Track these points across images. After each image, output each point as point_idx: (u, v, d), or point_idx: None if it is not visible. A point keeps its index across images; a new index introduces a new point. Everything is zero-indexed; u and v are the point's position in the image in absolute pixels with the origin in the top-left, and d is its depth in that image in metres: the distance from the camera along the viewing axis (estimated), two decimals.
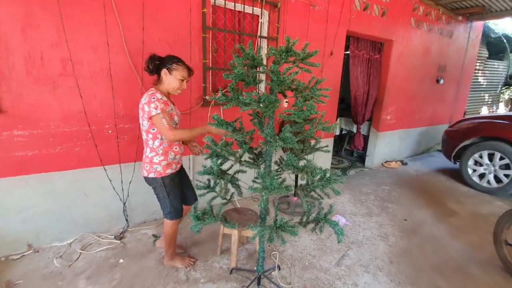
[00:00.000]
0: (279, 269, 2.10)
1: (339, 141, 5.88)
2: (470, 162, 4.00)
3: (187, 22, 2.44)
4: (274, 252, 2.29)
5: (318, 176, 1.36)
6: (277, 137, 1.30)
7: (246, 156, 1.71)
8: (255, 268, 2.01)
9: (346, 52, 3.99)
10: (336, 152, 5.70)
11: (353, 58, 4.02)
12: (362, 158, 5.12)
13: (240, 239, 2.45)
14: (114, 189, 2.48)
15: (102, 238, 2.41)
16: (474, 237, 2.70)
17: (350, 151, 5.61)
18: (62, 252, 2.23)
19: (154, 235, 2.49)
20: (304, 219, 1.53)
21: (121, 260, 2.16)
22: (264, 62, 1.98)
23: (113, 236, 2.44)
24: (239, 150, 1.55)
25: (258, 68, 1.42)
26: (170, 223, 1.95)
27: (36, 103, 2.04)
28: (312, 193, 1.61)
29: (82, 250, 2.25)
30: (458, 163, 4.25)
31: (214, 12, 2.59)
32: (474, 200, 3.62)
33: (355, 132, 4.69)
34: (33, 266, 2.06)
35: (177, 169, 1.96)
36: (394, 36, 4.24)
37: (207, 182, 1.73)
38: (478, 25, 5.85)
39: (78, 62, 2.11)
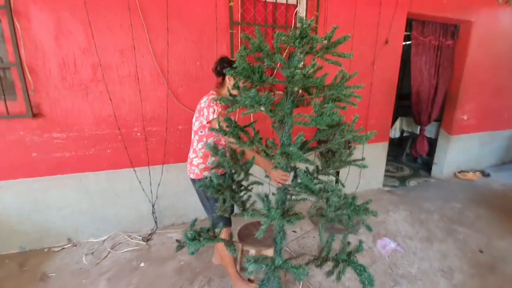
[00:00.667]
0: None
1: (399, 144, 5.09)
2: None
3: (213, 18, 2.29)
4: None
5: (336, 205, 1.01)
6: (279, 152, 1.01)
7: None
8: None
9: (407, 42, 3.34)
10: (395, 157, 4.94)
11: (416, 46, 3.34)
12: (428, 166, 4.29)
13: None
14: (143, 190, 2.50)
15: (131, 238, 2.45)
16: None
17: (413, 157, 4.79)
18: (95, 248, 2.33)
19: (177, 240, 2.43)
20: (322, 255, 1.20)
21: (142, 264, 2.14)
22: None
23: (141, 238, 2.46)
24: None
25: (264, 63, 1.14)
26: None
27: (71, 107, 2.14)
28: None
29: (111, 249, 2.32)
30: None
31: (242, 5, 2.37)
32: None
33: (418, 134, 3.95)
34: (67, 260, 2.19)
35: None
36: (474, 16, 3.39)
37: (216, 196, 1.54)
38: None
39: (107, 67, 2.15)
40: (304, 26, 0.98)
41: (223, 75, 1.70)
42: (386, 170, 4.25)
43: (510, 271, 2.10)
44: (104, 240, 2.43)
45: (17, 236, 2.26)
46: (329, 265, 1.22)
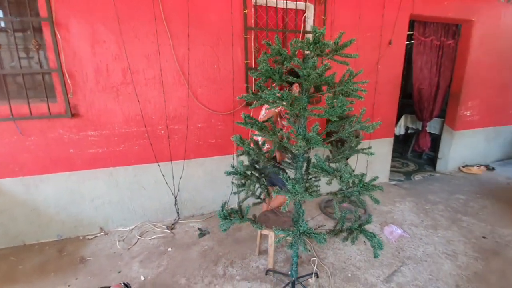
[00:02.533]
0: (317, 277, 1.98)
1: (405, 141, 5.23)
2: None
3: (228, 25, 2.51)
4: (314, 258, 2.17)
5: (349, 181, 1.20)
6: (300, 137, 1.21)
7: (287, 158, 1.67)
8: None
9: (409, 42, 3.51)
10: (401, 154, 5.08)
11: (418, 46, 3.51)
12: (433, 161, 4.43)
13: (280, 241, 2.40)
14: (166, 183, 2.72)
15: (156, 227, 2.67)
16: None
17: (419, 153, 4.92)
18: (124, 236, 2.56)
19: (199, 229, 2.64)
20: (338, 227, 1.39)
21: (169, 249, 2.35)
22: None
23: (165, 226, 2.68)
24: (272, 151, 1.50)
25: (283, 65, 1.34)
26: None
27: (104, 108, 2.38)
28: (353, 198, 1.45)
29: (140, 236, 2.54)
30: None
31: (255, 12, 2.59)
32: None
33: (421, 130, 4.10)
34: (102, 246, 2.42)
35: None
36: (476, 15, 3.53)
37: (243, 181, 1.74)
38: None
39: (135, 71, 2.38)
40: (317, 34, 1.18)
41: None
42: (392, 166, 4.41)
43: None
44: (132, 229, 2.66)
45: (54, 225, 2.50)
46: (342, 237, 1.41)
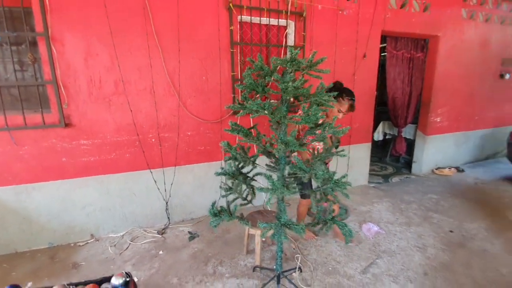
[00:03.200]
0: (301, 271, 2.14)
1: (383, 146, 5.55)
2: None
3: (216, 40, 2.70)
4: (298, 255, 2.33)
5: (323, 178, 1.39)
6: (279, 141, 1.39)
7: (267, 160, 1.84)
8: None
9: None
10: (380, 158, 5.39)
11: (391, 58, 3.83)
12: (409, 165, 4.73)
13: (266, 240, 2.56)
14: (158, 189, 2.83)
15: (147, 232, 2.76)
16: None
17: (397, 157, 5.24)
18: (116, 242, 2.63)
19: (189, 232, 2.75)
20: (315, 221, 1.57)
21: (160, 252, 2.45)
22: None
23: (156, 231, 2.77)
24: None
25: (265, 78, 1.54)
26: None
27: (96, 118, 2.49)
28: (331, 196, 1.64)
29: (131, 241, 2.62)
30: None
31: (241, 28, 2.80)
32: None
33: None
34: (93, 252, 2.49)
35: None
36: (441, 31, 3.91)
37: (229, 185, 1.89)
38: None
39: (127, 82, 2.52)
40: (293, 54, 1.38)
41: (339, 97, 2.09)
42: (372, 170, 4.68)
43: (476, 247, 2.49)
44: (123, 235, 2.73)
45: (46, 233, 2.55)
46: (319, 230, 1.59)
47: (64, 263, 2.34)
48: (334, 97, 1.81)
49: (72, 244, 2.60)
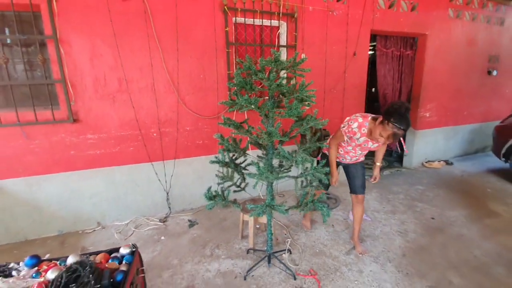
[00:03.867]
0: (290, 253, 2.34)
1: None
2: None
3: (212, 40, 2.89)
4: (288, 239, 2.53)
5: (304, 165, 1.59)
6: (264, 132, 1.59)
7: (260, 152, 2.04)
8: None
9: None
10: (372, 153, 5.56)
11: (381, 56, 4.01)
12: (401, 158, 4.92)
13: (260, 227, 2.76)
14: (159, 181, 3.03)
15: (150, 221, 2.97)
16: (510, 239, 2.52)
17: (389, 151, 5.43)
18: (121, 229, 2.84)
19: (189, 220, 2.96)
20: (298, 204, 1.77)
21: (162, 238, 2.66)
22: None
23: (158, 220, 2.98)
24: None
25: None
26: None
27: (101, 113, 2.68)
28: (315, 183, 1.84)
29: (135, 228, 2.83)
30: (509, 162, 3.83)
31: (235, 29, 2.98)
32: None
33: None
34: (100, 238, 2.70)
35: (345, 162, 2.36)
36: (429, 30, 4.08)
37: (224, 173, 2.09)
38: None
39: (130, 81, 2.71)
40: (276, 55, 1.57)
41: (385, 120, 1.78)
42: (366, 164, 4.86)
43: (454, 232, 2.69)
44: (128, 223, 2.94)
45: (55, 221, 2.75)
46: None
47: (73, 248, 2.54)
48: (381, 120, 1.78)
49: (80, 232, 2.81)
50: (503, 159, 3.89)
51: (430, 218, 2.93)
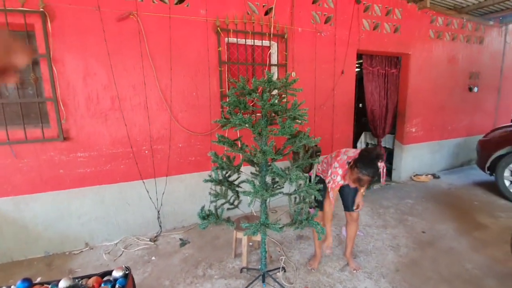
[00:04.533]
0: (285, 271, 2.32)
1: None
2: (507, 173, 3.73)
3: (205, 59, 2.96)
4: (282, 257, 2.51)
5: (297, 182, 1.62)
6: (258, 151, 1.62)
7: (252, 169, 2.06)
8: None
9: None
10: None
11: (367, 74, 4.17)
12: (390, 173, 5.02)
13: (254, 244, 2.74)
14: (150, 199, 2.99)
15: (140, 240, 2.89)
16: (499, 251, 2.57)
17: None
18: (110, 249, 2.75)
19: (181, 239, 2.90)
20: (292, 222, 1.78)
21: (153, 258, 2.59)
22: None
23: (148, 239, 2.91)
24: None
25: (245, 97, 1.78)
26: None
27: (93, 131, 2.67)
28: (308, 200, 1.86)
29: (124, 249, 2.75)
30: (494, 175, 3.97)
31: (228, 49, 3.08)
32: (511, 214, 3.36)
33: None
34: (88, 259, 2.60)
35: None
36: (411, 49, 4.30)
37: (218, 191, 2.09)
38: None
39: (123, 99, 2.72)
40: (269, 76, 1.63)
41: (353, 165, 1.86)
42: None
43: (445, 245, 2.73)
44: (117, 243, 2.86)
45: (42, 242, 2.65)
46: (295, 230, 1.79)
47: (60, 270, 2.45)
48: (351, 165, 1.85)
49: (67, 253, 2.71)
50: (488, 172, 4.02)
51: (421, 232, 2.98)
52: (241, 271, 2.34)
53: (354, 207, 2.28)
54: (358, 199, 2.28)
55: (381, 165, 1.91)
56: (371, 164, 1.78)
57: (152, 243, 2.85)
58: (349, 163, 1.95)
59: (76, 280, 1.28)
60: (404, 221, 3.24)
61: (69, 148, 2.61)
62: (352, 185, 1.99)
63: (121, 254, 2.67)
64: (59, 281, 1.27)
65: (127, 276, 1.35)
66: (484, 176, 4.54)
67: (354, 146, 5.18)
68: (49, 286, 1.30)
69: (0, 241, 2.51)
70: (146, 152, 2.91)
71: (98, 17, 2.52)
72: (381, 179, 2.06)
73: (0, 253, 2.52)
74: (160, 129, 2.92)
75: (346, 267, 2.38)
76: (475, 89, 5.18)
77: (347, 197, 2.32)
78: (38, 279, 1.40)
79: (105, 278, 1.34)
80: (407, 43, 4.24)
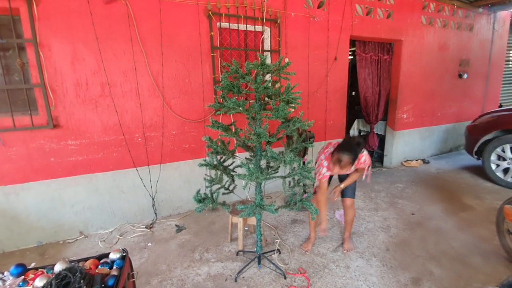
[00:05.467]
0: (280, 253, 2.37)
1: None
2: (493, 157, 3.86)
3: (197, 44, 2.91)
4: (277, 240, 2.57)
5: (291, 165, 1.64)
6: (252, 133, 1.62)
7: (247, 155, 2.07)
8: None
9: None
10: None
11: (360, 60, 4.18)
12: (382, 158, 5.12)
13: (249, 229, 2.78)
14: (144, 186, 2.98)
15: (135, 228, 2.90)
16: (484, 230, 2.69)
17: (371, 152, 5.62)
18: (105, 237, 2.75)
19: (177, 225, 2.92)
20: (286, 203, 1.81)
21: (149, 244, 2.61)
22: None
23: (144, 226, 2.92)
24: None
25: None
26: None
27: (83, 118, 2.62)
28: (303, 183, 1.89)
29: (120, 236, 2.75)
30: (481, 159, 4.10)
31: (220, 34, 3.02)
32: (496, 195, 3.49)
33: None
34: (83, 247, 2.60)
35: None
36: (403, 36, 4.31)
37: (212, 176, 2.10)
38: (504, 14, 5.56)
39: (113, 85, 2.66)
40: (262, 59, 1.62)
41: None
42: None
43: (433, 226, 2.83)
44: (112, 231, 2.86)
45: (34, 232, 2.63)
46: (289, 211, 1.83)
47: (54, 259, 2.44)
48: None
49: (61, 242, 2.70)
50: (475, 156, 4.14)
51: (410, 214, 3.07)
52: (237, 254, 2.38)
53: (331, 195, 2.32)
54: (336, 189, 2.33)
55: (365, 159, 2.05)
56: (350, 147, 1.95)
57: (148, 230, 2.86)
58: (332, 152, 2.02)
59: (73, 263, 1.28)
60: (395, 204, 3.34)
61: (59, 135, 2.56)
62: (335, 171, 2.03)
63: (116, 242, 2.67)
64: (54, 265, 1.27)
65: (124, 258, 1.36)
66: (472, 160, 4.69)
67: (347, 133, 5.24)
68: (44, 270, 1.30)
69: None
70: (139, 139, 2.87)
71: (85, 0, 2.43)
72: (367, 177, 2.16)
73: None
74: (153, 116, 2.88)
75: (339, 248, 2.45)
76: (465, 76, 5.26)
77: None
78: (32, 264, 1.39)
79: (102, 261, 1.34)
80: (399, 29, 4.24)
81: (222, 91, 1.81)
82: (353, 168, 2.09)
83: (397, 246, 2.48)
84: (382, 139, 4.99)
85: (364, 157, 2.10)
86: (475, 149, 4.07)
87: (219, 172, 1.87)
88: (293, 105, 1.79)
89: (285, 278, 2.07)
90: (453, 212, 3.10)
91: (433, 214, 3.07)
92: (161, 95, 2.86)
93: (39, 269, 1.29)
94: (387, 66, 4.46)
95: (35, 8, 2.29)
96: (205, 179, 2.09)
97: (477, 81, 5.60)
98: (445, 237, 2.60)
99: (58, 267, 1.22)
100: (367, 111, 4.49)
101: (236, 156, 1.94)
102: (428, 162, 4.97)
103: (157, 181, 3.02)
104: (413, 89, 4.67)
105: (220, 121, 3.18)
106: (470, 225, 2.81)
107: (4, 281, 1.21)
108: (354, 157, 1.94)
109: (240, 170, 2.11)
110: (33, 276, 1.21)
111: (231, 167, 2.06)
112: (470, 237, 2.59)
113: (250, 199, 3.40)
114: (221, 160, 2.03)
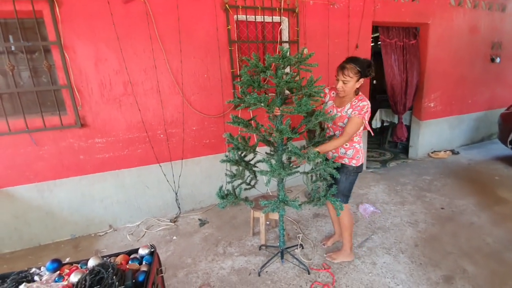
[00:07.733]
0: (302, 248, 2.36)
1: (380, 133, 5.72)
2: None
3: (215, 39, 2.88)
4: (299, 234, 2.55)
5: (315, 161, 1.60)
6: (275, 130, 1.59)
7: (267, 149, 2.04)
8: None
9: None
10: (379, 145, 5.57)
11: (385, 47, 3.98)
12: (407, 150, 4.91)
13: (271, 223, 2.78)
14: (168, 181, 3.05)
15: (160, 221, 2.99)
16: None
17: (395, 143, 5.41)
18: (133, 231, 2.87)
19: (200, 219, 2.98)
20: (310, 199, 1.78)
21: (174, 237, 2.68)
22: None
23: (168, 220, 3.00)
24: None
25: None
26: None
27: (108, 117, 2.70)
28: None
29: (147, 229, 2.85)
30: None
31: (237, 27, 2.98)
32: None
33: (397, 123, 4.56)
34: (113, 240, 2.73)
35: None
36: (430, 19, 4.05)
37: (234, 172, 2.10)
38: None
39: (135, 83, 2.72)
40: (284, 51, 1.57)
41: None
42: (370, 156, 4.88)
43: (464, 220, 2.69)
44: (139, 224, 2.97)
45: (68, 226, 2.78)
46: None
47: (87, 251, 2.58)
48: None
49: (92, 235, 2.84)
50: (510, 146, 3.86)
51: (439, 208, 2.94)
52: (260, 248, 2.39)
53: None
54: (309, 149, 1.79)
55: (365, 104, 1.85)
56: (358, 58, 1.81)
57: (173, 223, 2.95)
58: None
59: (104, 258, 1.33)
60: (422, 197, 3.20)
61: (87, 134, 2.66)
62: (338, 86, 1.84)
63: (143, 235, 2.77)
64: (87, 260, 1.33)
65: (153, 253, 1.40)
66: (506, 150, 4.38)
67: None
68: (78, 265, 1.36)
69: (26, 227, 2.64)
70: (161, 136, 2.93)
71: (105, 0, 2.47)
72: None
73: (27, 238, 2.66)
74: (174, 113, 2.92)
75: (364, 243, 2.39)
76: (497, 60, 4.88)
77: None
78: (67, 260, 1.46)
79: (132, 256, 1.39)
80: (425, 12, 3.98)
81: (241, 87, 1.78)
82: (353, 84, 1.81)
83: (426, 242, 2.38)
84: (408, 130, 4.77)
85: (365, 102, 1.87)
86: (510, 138, 3.79)
87: (240, 168, 1.87)
88: (316, 98, 1.73)
89: (308, 273, 2.06)
90: (487, 205, 2.92)
91: (465, 208, 2.91)
92: (181, 91, 2.89)
93: (74, 264, 1.36)
94: (414, 52, 4.21)
95: (57, 10, 2.35)
96: (226, 174, 2.10)
97: (510, 65, 5.17)
98: (479, 233, 2.47)
99: (91, 263, 1.27)
100: (394, 100, 4.27)
101: (257, 152, 1.92)
102: (457, 153, 4.71)
103: (180, 176, 3.08)
104: (441, 76, 4.40)
105: (239, 115, 3.18)
106: (505, 219, 2.64)
107: (41, 276, 1.29)
108: (360, 67, 1.77)
109: (261, 165, 2.09)
110: (68, 271, 1.27)
111: (252, 162, 2.05)
112: (505, 232, 2.44)
113: (270, 193, 3.40)
114: (242, 156, 2.03)
